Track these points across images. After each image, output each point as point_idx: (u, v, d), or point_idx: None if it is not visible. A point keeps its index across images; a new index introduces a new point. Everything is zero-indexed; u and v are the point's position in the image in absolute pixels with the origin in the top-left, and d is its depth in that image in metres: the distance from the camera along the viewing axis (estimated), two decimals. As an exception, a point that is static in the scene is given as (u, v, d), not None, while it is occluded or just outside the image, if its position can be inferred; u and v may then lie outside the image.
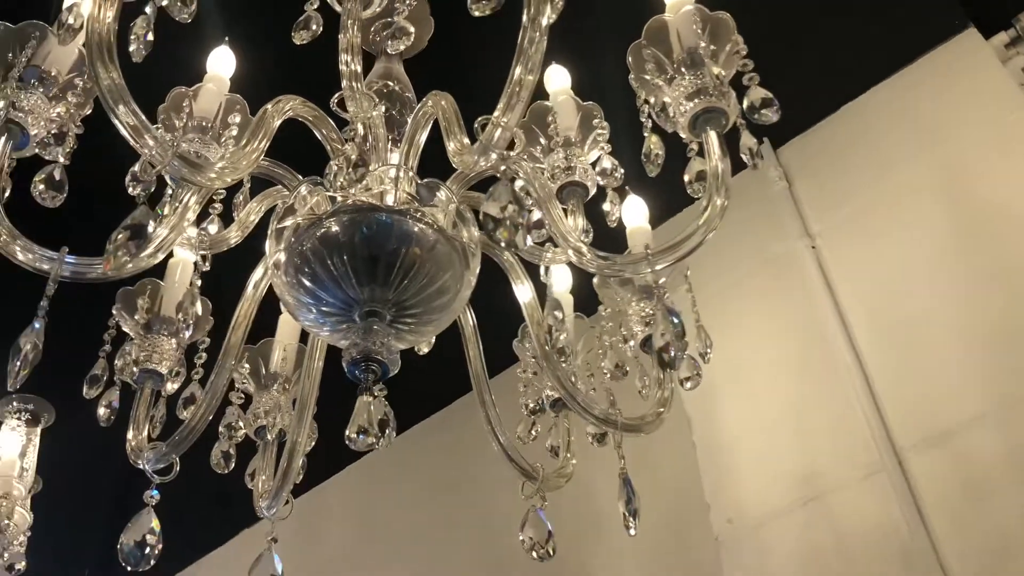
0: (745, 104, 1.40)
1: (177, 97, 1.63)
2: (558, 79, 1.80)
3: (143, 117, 1.21)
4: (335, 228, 1.39)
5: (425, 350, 1.74)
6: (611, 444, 1.74)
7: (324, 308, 1.41)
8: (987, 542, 2.18)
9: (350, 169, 1.43)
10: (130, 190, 1.47)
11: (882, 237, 2.77)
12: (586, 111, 1.73)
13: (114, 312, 1.71)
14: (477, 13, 1.31)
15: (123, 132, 1.20)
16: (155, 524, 1.49)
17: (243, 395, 1.83)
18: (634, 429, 1.68)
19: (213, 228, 1.68)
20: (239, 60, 1.72)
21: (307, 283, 1.40)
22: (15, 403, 2.72)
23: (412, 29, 1.47)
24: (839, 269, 2.81)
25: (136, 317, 1.70)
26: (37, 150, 1.41)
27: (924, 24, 2.93)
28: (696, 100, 1.42)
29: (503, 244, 1.26)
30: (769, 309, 2.92)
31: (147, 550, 1.47)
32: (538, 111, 1.74)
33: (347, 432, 1.31)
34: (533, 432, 1.87)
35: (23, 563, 2.64)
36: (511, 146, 1.41)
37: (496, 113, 1.33)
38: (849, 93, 3.06)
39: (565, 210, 1.65)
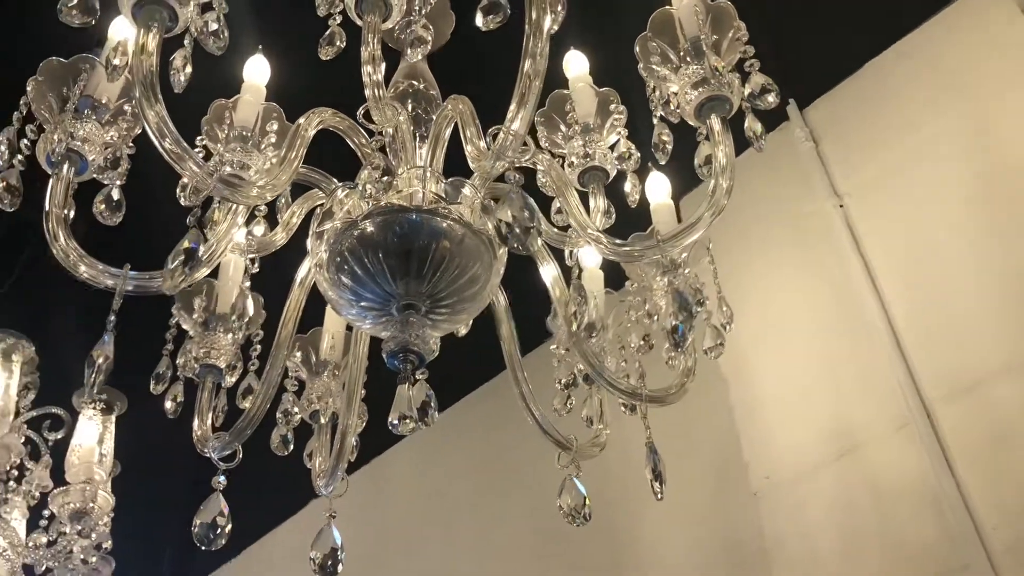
0: (747, 91, 1.47)
1: (218, 109, 1.73)
2: (576, 66, 1.86)
3: (185, 144, 1.31)
4: (370, 229, 1.48)
5: (464, 331, 1.84)
6: (647, 411, 1.82)
7: (364, 303, 1.51)
8: (1013, 488, 2.24)
9: (379, 176, 1.52)
10: (182, 201, 1.60)
11: (909, 194, 2.79)
12: (603, 97, 1.79)
13: (174, 312, 1.82)
14: (484, 28, 1.39)
15: (168, 159, 1.31)
16: (223, 507, 1.62)
17: (297, 382, 1.92)
18: (659, 401, 1.77)
19: (259, 230, 1.80)
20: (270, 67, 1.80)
21: (347, 281, 1.50)
22: (90, 393, 2.89)
23: (429, 37, 1.54)
24: (867, 227, 2.84)
25: (194, 316, 1.81)
26: (95, 175, 1.54)
27: (944, -25, 2.91)
28: (701, 88, 1.49)
29: (516, 248, 1.35)
30: (799, 269, 2.97)
31: (218, 531, 1.60)
32: (557, 99, 1.80)
33: (389, 419, 1.42)
34: (568, 404, 1.95)
35: (109, 542, 2.84)
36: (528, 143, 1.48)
37: (508, 115, 1.40)
38: (872, 49, 3.05)
39: (586, 193, 1.74)
